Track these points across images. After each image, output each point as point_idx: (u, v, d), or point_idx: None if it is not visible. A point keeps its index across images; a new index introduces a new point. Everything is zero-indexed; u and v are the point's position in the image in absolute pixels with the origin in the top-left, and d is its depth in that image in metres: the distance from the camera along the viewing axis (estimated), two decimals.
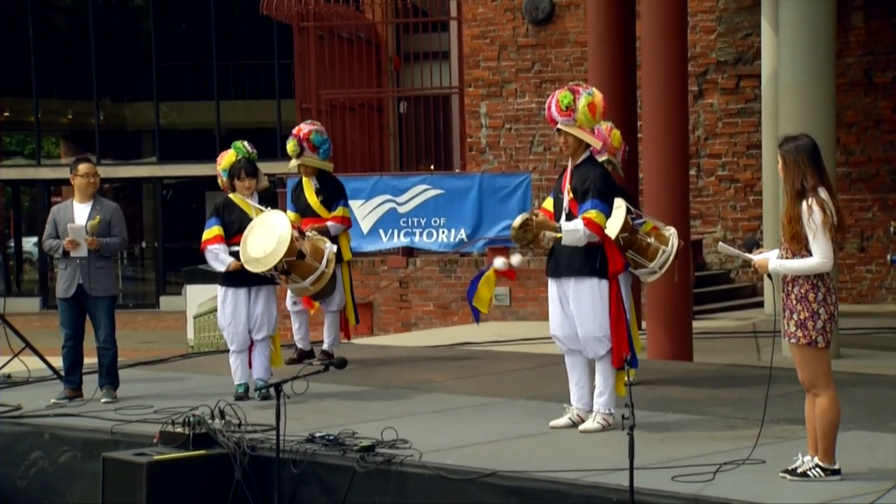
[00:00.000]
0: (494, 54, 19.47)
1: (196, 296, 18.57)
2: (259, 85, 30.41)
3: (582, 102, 8.42)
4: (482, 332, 15.15)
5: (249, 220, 10.06)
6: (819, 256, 6.84)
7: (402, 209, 17.40)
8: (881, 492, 6.62)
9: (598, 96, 8.53)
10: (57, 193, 30.90)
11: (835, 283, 7.28)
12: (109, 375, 10.25)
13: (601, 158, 9.28)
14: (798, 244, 6.88)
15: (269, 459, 8.00)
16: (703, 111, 18.40)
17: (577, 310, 8.50)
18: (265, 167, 10.71)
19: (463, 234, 17.24)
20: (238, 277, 10.06)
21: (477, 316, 9.68)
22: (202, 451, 8.14)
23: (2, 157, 31.97)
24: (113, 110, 32.05)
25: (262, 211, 10.12)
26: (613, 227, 9.19)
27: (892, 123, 17.62)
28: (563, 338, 8.64)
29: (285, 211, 10.94)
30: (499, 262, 9.09)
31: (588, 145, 8.59)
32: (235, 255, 9.99)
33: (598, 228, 8.41)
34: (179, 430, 8.24)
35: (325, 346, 11.90)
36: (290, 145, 11.77)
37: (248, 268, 9.85)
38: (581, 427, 8.55)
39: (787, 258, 6.95)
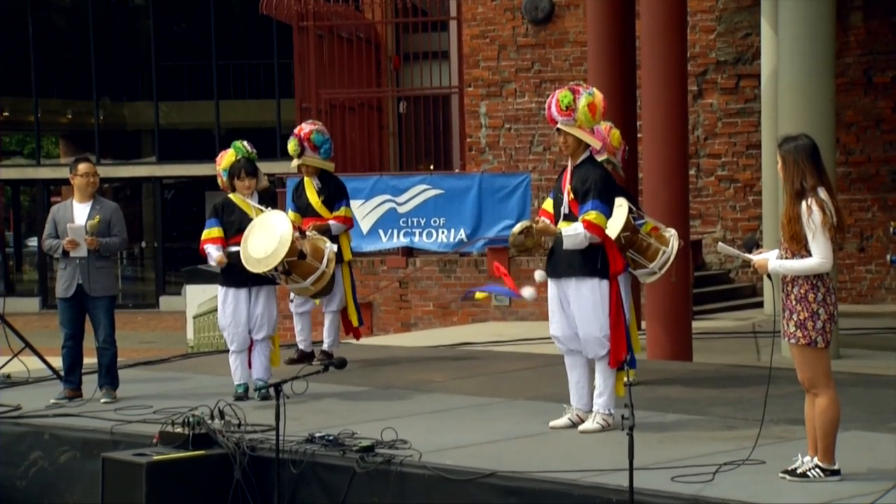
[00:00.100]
0: (494, 54, 19.47)
1: (196, 296, 18.58)
2: (259, 84, 30.41)
3: (582, 102, 8.42)
4: (482, 332, 15.18)
5: (249, 220, 10.06)
6: (818, 256, 6.84)
7: (401, 209, 17.40)
8: (881, 492, 6.62)
9: (599, 96, 8.53)
10: (56, 193, 30.91)
11: (834, 283, 7.28)
12: (109, 375, 10.25)
13: (600, 158, 9.27)
14: (797, 244, 6.88)
15: (269, 460, 8.00)
16: (702, 111, 18.40)
17: (578, 310, 8.50)
18: (264, 167, 10.71)
19: (462, 235, 17.24)
20: (238, 277, 10.06)
21: (470, 295, 9.58)
22: (202, 452, 8.14)
23: (1, 157, 31.97)
24: (112, 110, 32.06)
25: (262, 211, 10.12)
26: (615, 226, 9.19)
27: (891, 123, 17.62)
28: (562, 338, 8.64)
29: (285, 211, 10.94)
30: (528, 292, 8.86)
31: (588, 145, 8.59)
32: (235, 255, 9.99)
33: (598, 230, 8.41)
34: (179, 430, 8.24)
35: (324, 347, 11.90)
36: (291, 145, 11.77)
37: (249, 268, 9.84)
38: (581, 427, 8.54)
39: (786, 258, 6.95)
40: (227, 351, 10.37)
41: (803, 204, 6.85)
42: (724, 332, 14.71)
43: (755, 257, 7.15)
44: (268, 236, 9.82)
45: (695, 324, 12.71)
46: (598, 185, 8.45)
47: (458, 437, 8.41)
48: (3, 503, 9.34)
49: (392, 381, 11.01)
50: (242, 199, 10.23)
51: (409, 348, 13.68)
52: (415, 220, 17.37)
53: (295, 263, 10.03)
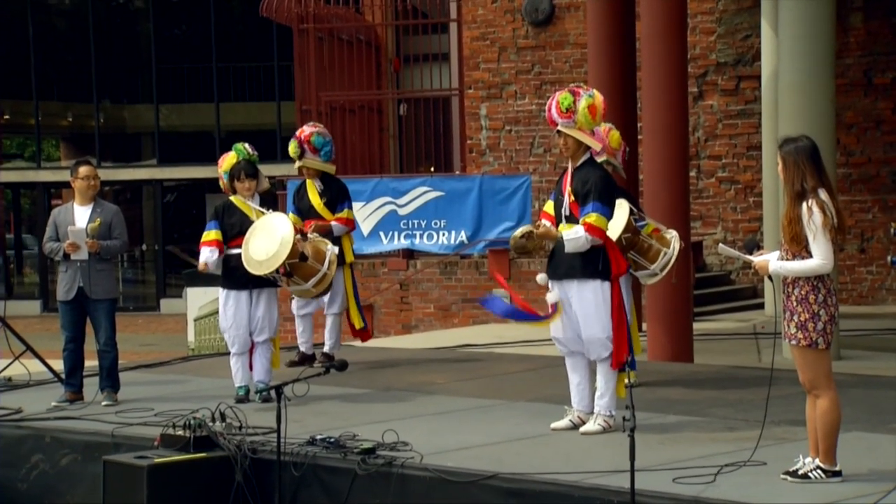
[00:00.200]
0: (494, 56, 19.47)
1: (196, 298, 18.58)
2: (259, 87, 30.41)
3: (582, 104, 8.42)
4: (483, 334, 15.16)
5: (250, 222, 10.06)
6: (819, 258, 6.84)
7: (402, 211, 17.40)
8: (882, 493, 6.62)
9: (599, 98, 8.53)
10: (57, 196, 30.89)
11: (835, 284, 7.29)
12: (110, 378, 10.25)
13: (599, 160, 9.27)
14: (798, 245, 6.88)
15: (270, 462, 8.00)
16: (703, 112, 18.40)
17: (580, 312, 8.49)
18: (265, 169, 10.72)
19: (463, 236, 17.24)
20: (239, 280, 10.07)
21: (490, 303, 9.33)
22: (203, 454, 8.15)
23: (2, 160, 31.98)
24: (113, 112, 32.07)
25: (262, 213, 10.13)
26: (616, 227, 9.19)
27: (892, 124, 17.62)
28: (563, 340, 8.63)
29: (286, 213, 10.94)
30: (550, 297, 8.67)
31: (588, 147, 8.59)
32: (236, 257, 10.00)
33: (599, 232, 8.41)
34: (180, 432, 8.24)
35: (326, 349, 11.90)
36: (292, 147, 11.78)
37: (250, 270, 9.85)
38: (582, 429, 8.54)
39: (787, 259, 6.95)
40: (228, 353, 10.37)
41: (804, 205, 6.85)
42: (724, 334, 14.71)
43: (756, 259, 7.15)
44: (269, 238, 9.83)
45: (695, 325, 12.71)
46: (599, 186, 8.45)
47: (459, 439, 8.41)
48: None
49: (393, 383, 11.00)
50: (243, 202, 10.24)
51: (409, 350, 13.67)
52: (415, 222, 17.37)
53: (296, 265, 10.03)
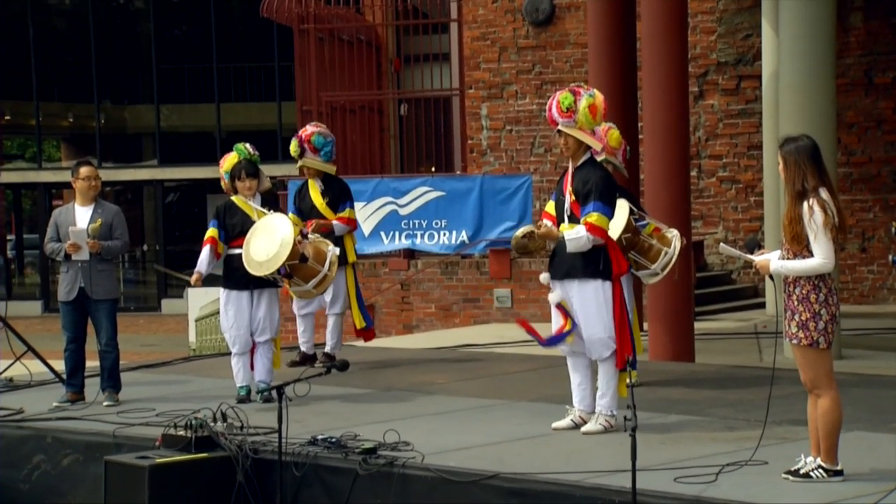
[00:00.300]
0: (495, 56, 19.47)
1: (197, 299, 18.58)
2: (259, 87, 30.42)
3: (583, 104, 8.42)
4: (484, 334, 15.17)
5: (251, 222, 10.07)
6: (820, 257, 6.84)
7: (403, 211, 17.40)
8: (883, 492, 6.62)
9: (599, 98, 8.53)
10: (58, 197, 30.88)
11: (836, 283, 7.28)
12: (111, 379, 10.26)
13: (599, 159, 9.27)
14: (799, 245, 6.88)
15: (272, 462, 8.00)
16: (703, 112, 18.40)
17: (582, 312, 8.49)
18: (266, 170, 10.73)
19: (464, 236, 17.24)
20: (240, 280, 10.07)
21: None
22: (204, 454, 8.15)
23: (3, 161, 31.98)
24: (113, 113, 32.06)
25: (264, 213, 10.13)
26: (616, 227, 9.19)
27: (892, 124, 17.62)
28: None
29: (286, 213, 10.95)
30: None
31: (589, 146, 8.59)
32: (238, 257, 10.01)
33: (601, 232, 8.41)
34: (181, 433, 8.25)
35: (327, 349, 11.91)
36: (293, 146, 11.80)
37: (251, 271, 9.85)
38: (583, 429, 8.54)
39: (788, 259, 6.95)
40: (230, 353, 10.38)
41: (805, 204, 6.85)
42: (725, 333, 14.71)
43: (757, 258, 7.15)
44: (269, 239, 9.83)
45: (697, 325, 12.71)
46: (599, 186, 8.45)
47: (460, 439, 8.41)
48: None
49: (394, 383, 11.01)
50: (245, 202, 10.24)
51: (411, 350, 13.67)
52: (416, 222, 17.37)
53: (297, 266, 10.03)
